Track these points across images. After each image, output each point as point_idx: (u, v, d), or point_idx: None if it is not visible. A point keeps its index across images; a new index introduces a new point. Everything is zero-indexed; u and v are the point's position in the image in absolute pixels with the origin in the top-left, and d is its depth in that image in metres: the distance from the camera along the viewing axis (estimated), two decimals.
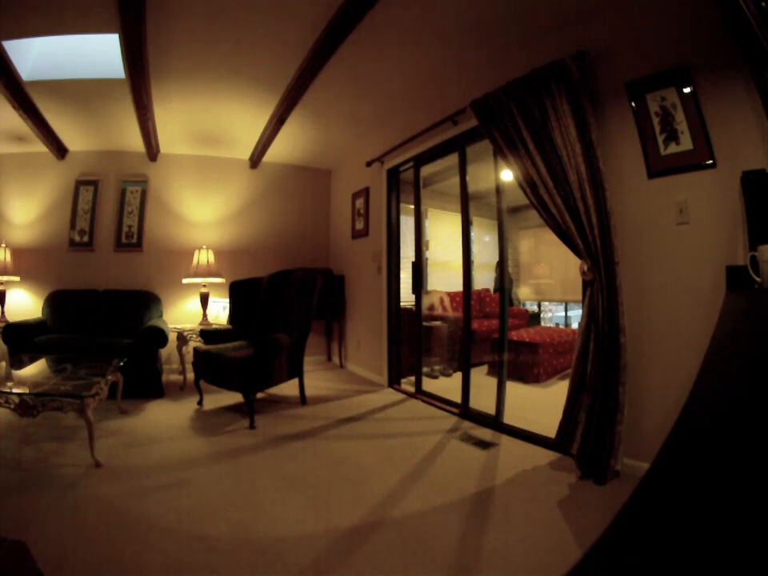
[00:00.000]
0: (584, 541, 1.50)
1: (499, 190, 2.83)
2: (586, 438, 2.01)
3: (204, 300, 4.25)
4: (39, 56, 2.94)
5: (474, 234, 5.71)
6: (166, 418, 2.91)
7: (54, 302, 3.94)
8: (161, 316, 4.16)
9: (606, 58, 2.12)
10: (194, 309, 4.47)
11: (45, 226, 4.25)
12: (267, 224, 4.95)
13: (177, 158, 4.57)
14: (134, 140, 4.08)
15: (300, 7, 2.24)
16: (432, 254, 5.64)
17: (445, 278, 5.50)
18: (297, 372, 3.30)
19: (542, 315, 6.44)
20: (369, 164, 4.06)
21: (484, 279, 6.07)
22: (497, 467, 2.17)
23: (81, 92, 3.17)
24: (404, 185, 3.96)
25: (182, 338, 3.91)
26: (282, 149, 4.49)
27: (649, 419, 1.98)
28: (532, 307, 6.47)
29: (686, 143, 1.87)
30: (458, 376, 3.45)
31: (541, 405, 3.26)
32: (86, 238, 4.31)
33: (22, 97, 3.08)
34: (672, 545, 0.32)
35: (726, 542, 0.31)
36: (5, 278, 3.94)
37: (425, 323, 4.00)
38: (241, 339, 3.38)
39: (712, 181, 1.81)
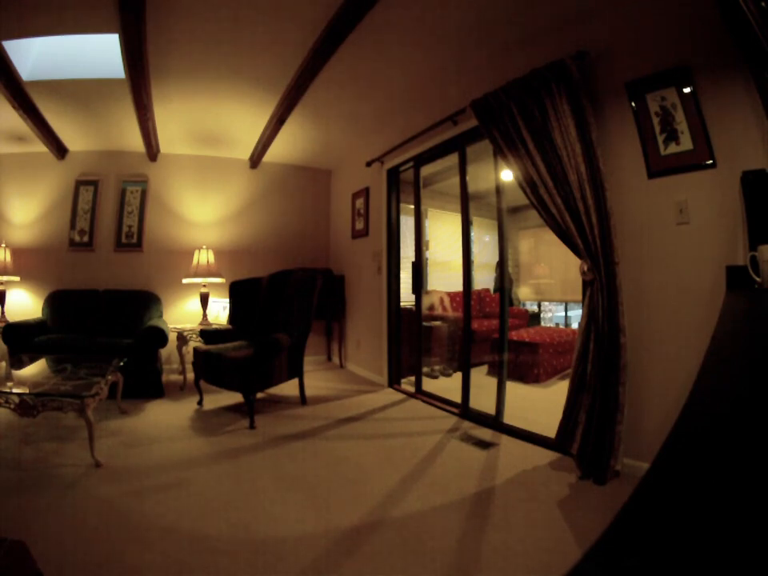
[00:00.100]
0: (584, 541, 1.50)
1: (499, 190, 2.83)
2: (586, 437, 2.01)
3: (204, 300, 4.25)
4: (39, 56, 2.94)
5: (474, 234, 5.71)
6: (166, 418, 2.91)
7: (54, 302, 3.94)
8: (161, 316, 4.16)
9: (606, 58, 2.12)
10: (194, 309, 4.47)
11: (45, 225, 4.25)
12: (267, 224, 4.95)
13: (177, 158, 4.57)
14: (134, 140, 4.08)
15: (300, 7, 2.24)
16: (432, 253, 5.64)
17: (445, 277, 5.50)
18: (297, 372, 3.30)
19: (542, 315, 6.44)
20: (369, 164, 4.06)
21: (484, 279, 6.06)
22: (497, 467, 2.17)
23: (81, 92, 3.17)
24: (404, 185, 3.96)
25: (181, 338, 3.91)
26: (282, 149, 4.49)
27: (649, 419, 1.98)
28: (532, 307, 6.47)
29: (685, 143, 1.87)
30: (457, 376, 3.45)
31: (541, 405, 3.26)
32: (85, 238, 4.31)
33: (22, 97, 3.08)
34: (672, 545, 0.32)
35: (725, 542, 0.31)
36: (5, 278, 3.94)
37: (425, 323, 4.00)
38: (241, 339, 3.38)
39: (712, 181, 1.81)
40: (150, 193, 4.49)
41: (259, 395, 3.35)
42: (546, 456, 2.27)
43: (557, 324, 6.51)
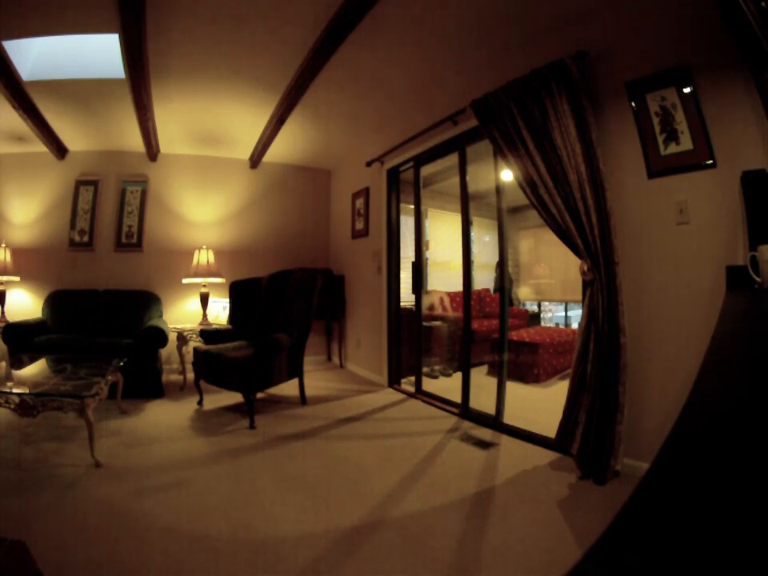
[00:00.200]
0: (584, 541, 1.50)
1: (499, 190, 2.83)
2: (586, 437, 2.01)
3: (204, 300, 4.25)
4: (39, 56, 2.94)
5: (474, 234, 5.71)
6: (166, 418, 2.91)
7: (54, 302, 3.94)
8: (161, 316, 4.16)
9: (606, 58, 2.12)
10: (194, 309, 4.47)
11: (45, 225, 4.25)
12: (267, 224, 4.95)
13: (177, 158, 4.57)
14: (134, 140, 4.08)
15: (300, 7, 2.24)
16: (432, 254, 5.64)
17: (445, 278, 5.50)
18: (297, 372, 3.30)
19: (542, 315, 6.44)
20: (369, 164, 4.06)
21: (484, 279, 6.06)
22: (497, 467, 2.16)
23: (81, 92, 3.17)
24: (404, 185, 3.96)
25: (182, 338, 3.91)
26: (282, 149, 4.49)
27: (649, 419, 1.98)
28: (532, 307, 6.47)
29: (686, 143, 1.87)
30: (457, 376, 3.45)
31: (541, 405, 3.26)
32: (86, 238, 4.31)
33: (22, 97, 3.08)
34: (672, 545, 0.32)
35: (725, 542, 0.31)
36: (5, 278, 3.94)
37: (425, 323, 4.00)
38: (241, 339, 3.38)
39: (712, 181, 1.81)
40: (150, 193, 4.49)
41: (259, 395, 3.35)
42: (546, 456, 2.27)
43: (557, 324, 6.51)
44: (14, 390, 2.15)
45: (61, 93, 3.17)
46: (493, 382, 2.90)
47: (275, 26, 2.40)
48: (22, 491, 1.84)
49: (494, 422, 2.74)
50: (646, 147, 1.99)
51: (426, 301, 4.37)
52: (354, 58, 2.72)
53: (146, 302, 4.09)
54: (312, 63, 2.72)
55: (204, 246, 4.35)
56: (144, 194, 4.46)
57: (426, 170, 3.82)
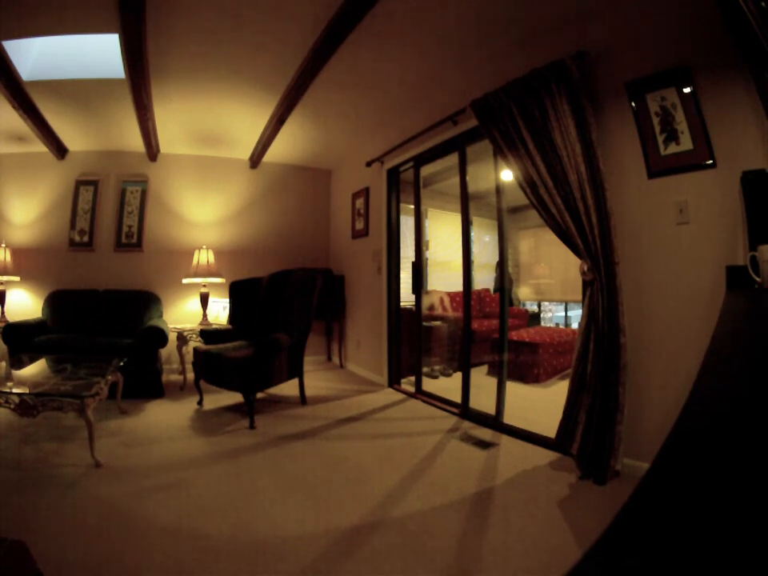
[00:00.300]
0: (584, 541, 1.50)
1: (499, 190, 2.83)
2: (586, 437, 2.01)
3: (204, 300, 4.25)
4: (39, 56, 2.94)
5: (474, 234, 5.71)
6: (166, 418, 2.91)
7: (54, 302, 3.94)
8: (161, 316, 4.16)
9: (606, 58, 2.12)
10: (194, 309, 4.47)
11: (45, 225, 4.25)
12: (267, 224, 4.95)
13: (177, 158, 4.57)
14: (134, 140, 4.08)
15: (300, 7, 2.24)
16: (432, 253, 5.64)
17: (445, 277, 5.50)
18: (297, 372, 3.30)
19: (542, 315, 6.44)
20: (369, 164, 4.06)
21: (484, 279, 6.06)
22: (497, 467, 2.16)
23: (81, 92, 3.17)
24: (404, 185, 3.96)
25: (182, 338, 3.91)
26: (282, 149, 4.49)
27: (649, 419, 1.98)
28: (532, 307, 6.47)
29: (686, 143, 1.87)
30: (457, 376, 3.45)
31: (541, 405, 3.26)
32: (86, 238, 4.31)
33: (22, 97, 3.08)
34: (672, 545, 0.32)
35: (725, 542, 0.31)
36: (5, 278, 3.94)
37: (425, 323, 4.00)
38: (241, 339, 3.38)
39: (712, 181, 1.81)
40: (150, 193, 4.49)
41: (259, 395, 3.35)
42: (546, 456, 2.27)
43: (557, 324, 6.51)
44: (14, 390, 2.15)
45: (61, 93, 3.17)
46: (493, 381, 2.90)
47: (275, 26, 2.40)
48: (22, 491, 1.84)
49: (494, 422, 2.74)
50: (646, 147, 1.99)
51: (425, 301, 4.37)
52: (354, 58, 2.72)
53: (146, 302, 4.09)
54: (312, 63, 2.72)
55: (204, 246, 4.35)
56: (144, 194, 4.46)
57: (426, 170, 3.82)
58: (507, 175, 2.71)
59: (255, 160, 4.73)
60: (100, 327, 3.81)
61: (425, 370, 3.89)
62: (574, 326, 5.85)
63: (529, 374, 3.92)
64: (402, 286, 3.93)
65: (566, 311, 6.32)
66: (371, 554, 1.47)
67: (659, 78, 1.92)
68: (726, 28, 1.57)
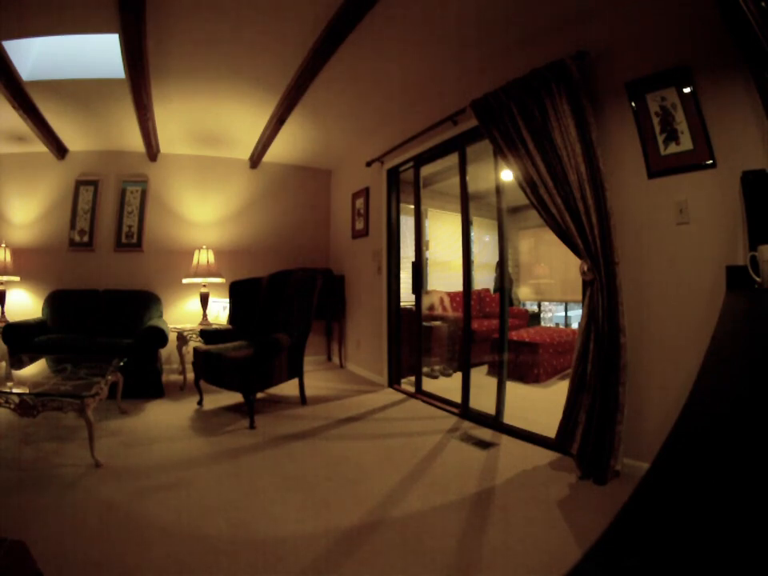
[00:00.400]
0: (584, 541, 1.50)
1: (499, 190, 2.83)
2: (586, 437, 2.01)
3: (204, 300, 4.25)
4: (39, 56, 2.94)
5: (474, 234, 5.71)
6: (166, 418, 2.91)
7: (54, 302, 3.94)
8: (161, 316, 4.16)
9: (606, 58, 2.12)
10: (194, 309, 4.47)
11: (45, 225, 4.25)
12: (267, 224, 4.95)
13: (177, 158, 4.57)
14: (134, 140, 4.08)
15: (300, 7, 2.24)
16: (432, 253, 5.64)
17: (445, 277, 5.50)
18: (297, 372, 3.30)
19: (542, 315, 6.44)
20: (369, 164, 4.06)
21: (484, 279, 6.06)
22: (497, 467, 2.16)
23: (81, 92, 3.17)
24: (404, 185, 3.96)
25: (182, 338, 3.91)
26: (282, 149, 4.49)
27: (649, 419, 1.97)
28: (532, 307, 6.47)
29: (686, 143, 1.87)
30: (457, 376, 3.45)
31: (541, 405, 3.26)
32: (86, 238, 4.31)
33: (22, 97, 3.08)
34: (672, 545, 0.32)
35: (725, 542, 0.31)
36: (5, 278, 3.94)
37: (425, 323, 4.00)
38: (241, 339, 3.38)
39: (712, 181, 1.81)
40: (150, 193, 4.49)
41: (259, 395, 3.35)
42: (546, 456, 2.27)
43: (557, 324, 6.51)
44: (14, 390, 2.15)
45: (61, 93, 3.17)
46: (493, 381, 2.90)
47: (275, 26, 2.40)
48: (22, 491, 1.84)
49: (494, 421, 2.74)
50: (646, 147, 1.99)
51: (425, 301, 4.37)
52: (354, 58, 2.72)
53: (146, 302, 4.09)
54: (312, 63, 2.72)
55: (204, 246, 4.35)
56: (144, 194, 4.46)
57: (426, 170, 3.82)
58: (507, 175, 2.71)
59: (255, 160, 4.73)
60: (100, 327, 3.81)
61: (425, 369, 3.89)
62: (574, 325, 5.85)
63: (529, 374, 3.92)
64: (402, 285, 3.93)
65: (565, 311, 6.32)
66: (371, 553, 1.47)
67: (659, 77, 1.92)
68: (726, 28, 1.57)
